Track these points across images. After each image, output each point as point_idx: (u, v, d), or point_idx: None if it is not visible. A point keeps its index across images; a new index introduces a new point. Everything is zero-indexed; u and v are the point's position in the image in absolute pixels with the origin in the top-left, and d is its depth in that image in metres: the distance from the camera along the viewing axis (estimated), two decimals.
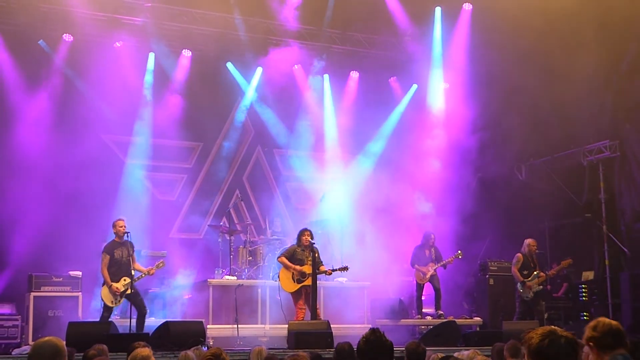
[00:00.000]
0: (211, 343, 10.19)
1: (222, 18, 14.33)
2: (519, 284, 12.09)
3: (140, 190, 14.08)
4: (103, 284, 10.49)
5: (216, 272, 12.60)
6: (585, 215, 15.13)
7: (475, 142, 15.11)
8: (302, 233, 11.22)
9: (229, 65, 15.06)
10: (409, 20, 15.16)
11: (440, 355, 5.87)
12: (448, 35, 15.43)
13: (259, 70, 15.14)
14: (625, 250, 14.42)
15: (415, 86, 16.07)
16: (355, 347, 4.72)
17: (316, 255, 10.96)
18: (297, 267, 10.97)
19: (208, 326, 10.91)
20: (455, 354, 6.04)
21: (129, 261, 10.39)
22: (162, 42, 14.26)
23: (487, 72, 14.70)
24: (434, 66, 15.69)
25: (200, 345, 7.70)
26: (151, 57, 14.29)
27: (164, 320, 10.03)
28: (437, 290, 12.92)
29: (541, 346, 2.93)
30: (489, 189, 15.86)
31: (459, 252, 13.00)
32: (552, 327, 3.08)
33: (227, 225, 13.61)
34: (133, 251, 10.63)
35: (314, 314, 10.73)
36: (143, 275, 10.60)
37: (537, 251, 12.47)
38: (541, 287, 12.16)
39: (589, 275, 14.96)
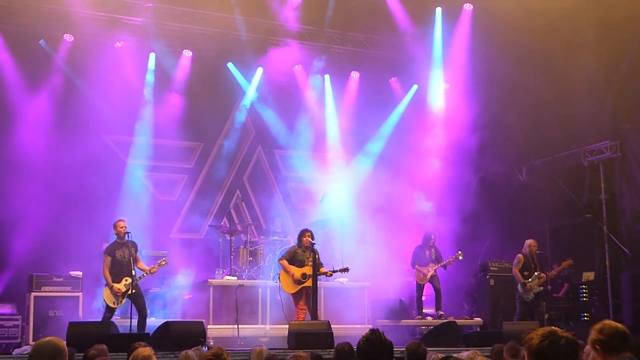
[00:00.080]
0: (211, 343, 10.19)
1: (222, 18, 14.34)
2: (519, 285, 12.08)
3: (141, 191, 14.09)
4: (105, 285, 10.50)
5: (217, 272, 12.61)
6: (586, 216, 15.12)
7: (475, 143, 15.11)
8: (302, 234, 11.22)
9: (230, 65, 15.06)
10: (410, 21, 15.16)
11: (441, 355, 5.86)
12: (448, 36, 15.43)
13: (259, 71, 15.15)
14: (626, 250, 14.42)
15: (415, 86, 16.07)
16: (355, 347, 4.72)
17: (317, 256, 10.96)
18: (297, 270, 10.95)
19: (208, 326, 10.92)
20: (455, 355, 6.03)
21: (130, 261, 10.38)
22: (162, 42, 14.27)
23: (487, 72, 14.69)
24: (435, 66, 15.69)
25: (200, 346, 7.69)
26: (152, 57, 14.30)
27: (165, 321, 10.03)
28: (437, 291, 12.92)
29: (541, 347, 2.93)
30: (489, 189, 15.86)
31: (459, 252, 13.00)
32: (552, 327, 3.07)
33: (228, 226, 13.62)
34: (136, 251, 10.62)
35: (315, 315, 10.73)
36: (145, 274, 10.59)
37: (537, 252, 12.46)
38: (542, 288, 12.16)
39: (589, 275, 14.96)
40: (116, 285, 10.34)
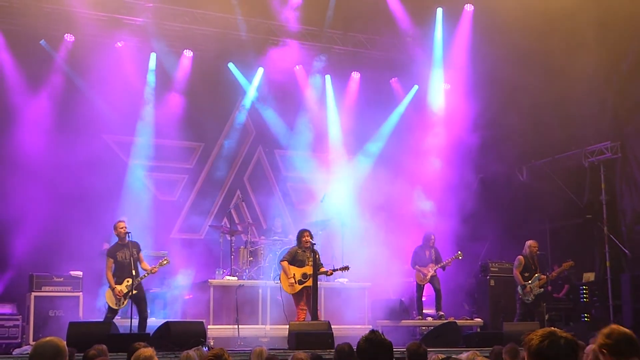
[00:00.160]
0: (212, 343, 10.20)
1: (223, 18, 14.34)
2: (519, 287, 12.08)
3: (142, 191, 14.09)
4: (108, 286, 10.52)
5: (217, 272, 12.61)
6: (586, 217, 15.12)
7: (476, 143, 15.11)
8: (301, 234, 11.23)
9: (231, 65, 15.07)
10: (410, 21, 15.17)
11: (441, 356, 5.86)
12: (449, 36, 15.43)
13: (260, 71, 15.15)
14: (626, 251, 14.42)
15: (416, 87, 16.08)
16: (355, 347, 4.73)
17: (317, 256, 10.97)
18: (297, 271, 10.95)
19: (209, 326, 10.93)
20: (454, 356, 6.03)
21: (131, 262, 10.37)
22: (163, 42, 14.27)
23: (488, 72, 14.69)
24: (435, 67, 15.70)
25: (201, 346, 7.69)
26: (152, 57, 14.31)
27: (165, 321, 10.04)
28: (437, 291, 12.91)
29: (541, 347, 2.93)
30: (489, 190, 15.87)
31: (459, 252, 13.00)
32: (552, 328, 3.08)
33: (228, 226, 13.63)
34: (138, 251, 10.59)
35: (315, 315, 10.74)
36: (146, 274, 10.57)
37: (538, 252, 12.46)
38: (542, 289, 12.15)
39: (589, 276, 14.96)
40: (118, 287, 10.34)
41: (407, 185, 14.66)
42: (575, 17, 12.68)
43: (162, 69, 14.45)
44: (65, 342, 4.01)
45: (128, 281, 10.37)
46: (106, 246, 11.91)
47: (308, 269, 10.95)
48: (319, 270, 10.95)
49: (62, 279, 11.66)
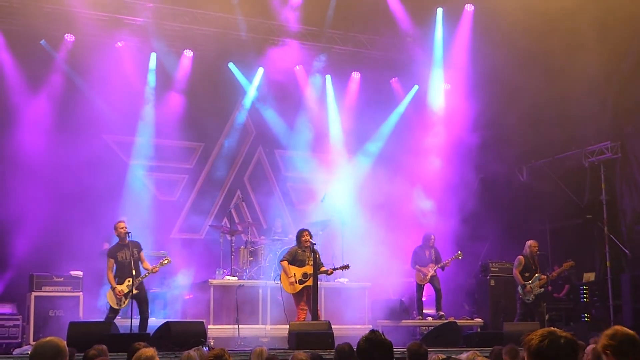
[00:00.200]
0: (212, 343, 10.20)
1: (223, 18, 14.35)
2: (520, 287, 12.08)
3: (142, 191, 14.10)
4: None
5: (217, 272, 12.61)
6: (586, 217, 15.12)
7: (476, 143, 15.11)
8: (300, 234, 11.24)
9: (231, 65, 15.07)
10: (411, 21, 15.17)
11: (442, 356, 5.87)
12: (449, 36, 15.43)
13: (260, 71, 15.16)
14: (626, 251, 14.42)
15: (416, 87, 16.08)
16: (355, 347, 4.73)
17: (317, 256, 10.97)
18: (298, 270, 10.96)
19: (209, 326, 10.93)
20: (454, 356, 6.04)
21: (132, 262, 10.36)
22: (163, 42, 14.28)
23: (488, 72, 14.70)
24: (435, 67, 15.70)
25: (201, 346, 7.69)
26: (153, 57, 14.31)
27: (165, 321, 10.04)
28: (437, 291, 12.92)
29: (541, 347, 2.92)
30: (490, 189, 15.86)
31: (459, 252, 13.00)
32: (552, 328, 3.08)
33: (228, 226, 13.64)
34: (139, 251, 10.57)
35: (315, 315, 10.74)
36: (147, 274, 10.56)
37: (538, 252, 12.47)
38: (542, 289, 12.15)
39: (590, 276, 14.96)
40: (118, 287, 10.34)
41: (407, 185, 14.67)
42: (575, 17, 12.68)
43: (162, 69, 14.45)
44: (65, 342, 4.01)
45: (129, 281, 10.37)
46: (106, 246, 11.92)
47: (308, 269, 10.95)
48: (319, 270, 10.95)
49: (62, 279, 11.66)
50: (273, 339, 11.44)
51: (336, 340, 8.90)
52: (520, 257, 12.20)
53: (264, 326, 11.89)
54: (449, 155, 15.25)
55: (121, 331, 9.72)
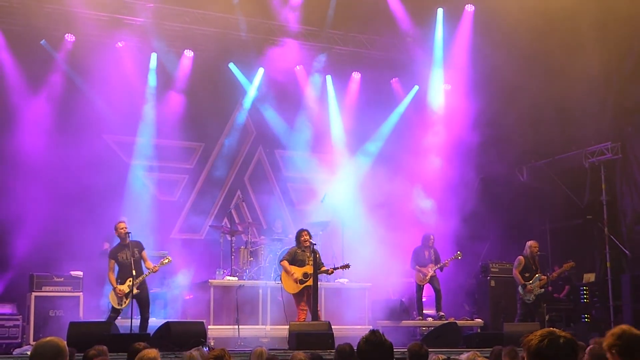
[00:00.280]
0: (212, 344, 10.20)
1: (223, 18, 14.35)
2: (520, 287, 12.08)
3: (142, 191, 14.09)
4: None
5: (217, 272, 12.61)
6: (587, 217, 15.12)
7: (476, 143, 15.10)
8: (300, 234, 11.25)
9: (231, 65, 15.07)
10: (411, 22, 15.17)
11: (442, 357, 5.86)
12: (450, 36, 15.43)
13: (260, 71, 15.16)
14: (627, 252, 14.41)
15: (416, 87, 16.08)
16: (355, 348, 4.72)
17: (317, 256, 10.97)
18: (298, 270, 10.96)
19: (209, 327, 10.93)
20: (453, 357, 6.03)
21: (132, 262, 10.34)
22: (163, 42, 14.28)
23: (488, 73, 14.70)
24: (435, 67, 15.70)
25: (201, 346, 7.69)
26: (153, 57, 14.31)
27: (165, 321, 10.04)
28: (437, 292, 12.91)
29: (540, 347, 2.92)
30: (490, 190, 15.86)
31: (458, 252, 12.99)
32: (551, 328, 3.07)
33: (229, 226, 13.63)
34: (140, 251, 10.55)
35: (315, 315, 10.74)
36: (148, 273, 10.54)
37: (538, 253, 12.46)
38: (542, 289, 12.15)
39: (590, 277, 14.96)
40: (119, 287, 10.35)
41: (408, 184, 14.67)
42: (575, 17, 12.68)
43: (162, 69, 14.45)
44: (65, 342, 4.01)
45: (130, 281, 10.37)
46: (107, 246, 11.95)
47: (309, 269, 10.95)
48: (319, 270, 10.95)
49: (62, 279, 11.65)
50: (273, 340, 11.44)
51: (336, 341, 8.90)
52: (521, 257, 12.20)
53: (264, 326, 11.89)
54: (449, 154, 15.25)
55: (121, 331, 9.73)
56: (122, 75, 13.61)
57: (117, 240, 10.68)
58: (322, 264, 11.12)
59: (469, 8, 15.14)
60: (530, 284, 11.98)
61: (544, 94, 14.42)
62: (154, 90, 14.35)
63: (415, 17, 15.12)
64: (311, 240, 11.14)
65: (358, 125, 15.59)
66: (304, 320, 10.73)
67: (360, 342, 4.18)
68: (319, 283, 11.16)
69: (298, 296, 11.01)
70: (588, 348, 5.22)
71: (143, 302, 10.40)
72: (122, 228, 10.50)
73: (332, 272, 11.21)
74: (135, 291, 10.25)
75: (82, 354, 6.64)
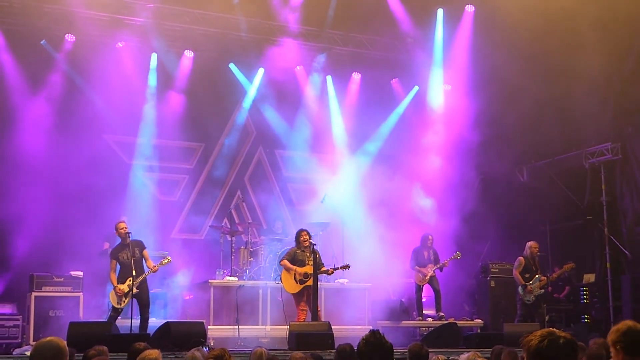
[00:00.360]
0: (212, 344, 10.20)
1: (223, 18, 14.35)
2: (520, 288, 12.08)
3: (142, 191, 14.09)
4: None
5: (217, 272, 12.62)
6: (587, 218, 15.12)
7: (476, 144, 15.10)
8: (299, 234, 11.25)
9: (232, 66, 15.07)
10: (411, 22, 15.17)
11: (442, 357, 5.86)
12: (450, 37, 15.43)
13: (260, 71, 15.15)
14: (627, 252, 14.41)
15: (416, 88, 16.07)
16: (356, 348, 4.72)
17: (317, 256, 10.97)
18: (298, 268, 10.98)
19: (209, 327, 10.93)
20: (453, 357, 6.04)
21: (132, 262, 10.34)
22: (163, 42, 14.28)
23: (488, 73, 14.70)
24: (436, 68, 15.70)
25: (201, 346, 7.69)
26: (153, 57, 14.31)
27: (165, 321, 10.04)
28: (436, 292, 12.90)
29: (540, 347, 2.92)
30: (490, 190, 15.86)
31: (457, 252, 12.98)
32: (551, 329, 3.07)
33: (229, 226, 13.64)
34: (141, 250, 10.55)
35: (315, 315, 10.74)
36: (148, 272, 10.54)
37: (538, 254, 12.46)
38: (542, 290, 12.15)
39: (590, 277, 14.96)
40: (119, 286, 10.36)
41: (408, 184, 14.67)
42: (575, 17, 12.68)
43: (162, 69, 14.44)
44: (65, 342, 4.01)
45: (130, 280, 10.37)
46: (107, 246, 11.96)
47: (309, 269, 10.95)
48: (319, 270, 10.95)
49: (62, 279, 11.65)
50: (273, 340, 11.44)
51: (336, 341, 8.90)
52: (521, 258, 12.20)
53: (264, 327, 11.89)
54: (449, 154, 15.24)
55: (121, 331, 9.73)
56: (122, 75, 13.61)
57: (117, 240, 10.70)
58: (322, 264, 11.12)
59: (469, 9, 15.13)
60: (530, 284, 11.98)
61: (544, 94, 14.43)
62: (154, 91, 14.34)
63: (415, 17, 15.12)
64: (311, 241, 11.15)
65: (358, 126, 15.59)
66: (304, 321, 10.73)
67: (360, 343, 4.18)
68: (319, 283, 11.16)
69: (298, 296, 11.01)
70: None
71: (143, 302, 10.40)
72: (123, 228, 10.50)
73: (332, 273, 11.21)
74: (134, 291, 10.25)
75: (82, 354, 6.64)
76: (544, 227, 15.60)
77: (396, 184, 14.44)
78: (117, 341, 8.40)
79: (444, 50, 15.56)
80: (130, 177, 14.01)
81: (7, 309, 11.84)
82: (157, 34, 14.09)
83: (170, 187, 14.77)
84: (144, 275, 10.45)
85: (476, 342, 10.30)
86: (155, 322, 10.51)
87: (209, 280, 12.04)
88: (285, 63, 14.81)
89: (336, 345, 6.88)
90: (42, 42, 13.40)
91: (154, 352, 5.04)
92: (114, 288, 10.39)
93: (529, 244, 12.32)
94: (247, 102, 15.35)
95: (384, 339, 4.17)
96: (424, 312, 12.98)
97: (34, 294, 11.40)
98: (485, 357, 6.05)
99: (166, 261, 10.70)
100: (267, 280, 12.31)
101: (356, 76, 15.95)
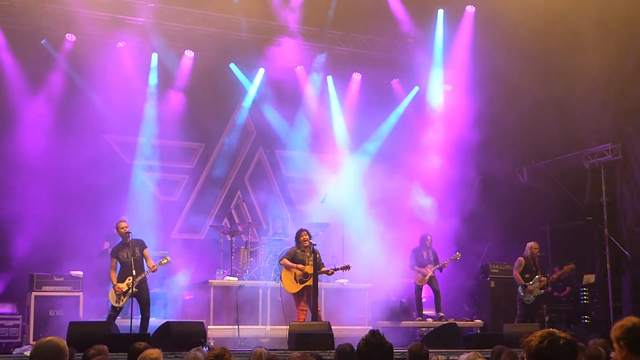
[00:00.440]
0: (212, 344, 10.20)
1: (224, 18, 14.35)
2: (520, 288, 12.08)
3: (142, 191, 14.09)
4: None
5: (217, 272, 12.62)
6: (587, 218, 15.12)
7: (476, 144, 15.11)
8: (299, 234, 11.26)
9: (232, 65, 15.07)
10: (412, 22, 15.17)
11: (442, 357, 5.87)
12: (450, 37, 15.43)
13: (261, 71, 15.16)
14: (627, 253, 14.41)
15: (417, 88, 16.07)
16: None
17: (317, 256, 10.97)
18: (299, 266, 10.98)
19: (209, 327, 10.94)
20: (452, 357, 6.04)
21: (132, 261, 10.34)
22: (164, 42, 14.28)
23: (488, 73, 14.71)
24: (436, 68, 15.70)
25: (201, 346, 7.70)
26: (154, 57, 14.31)
27: (165, 321, 10.04)
28: (436, 292, 12.90)
29: (540, 348, 2.92)
30: (490, 190, 15.86)
31: (457, 253, 12.98)
32: (551, 329, 3.07)
33: (229, 226, 13.64)
34: (141, 249, 10.55)
35: (315, 315, 10.74)
36: (147, 272, 10.54)
37: (539, 254, 12.46)
38: (542, 290, 12.15)
39: (590, 278, 14.96)
40: (118, 285, 10.36)
41: (408, 183, 14.67)
42: (575, 17, 12.68)
43: (163, 69, 14.44)
44: (65, 342, 4.01)
45: (129, 279, 10.38)
46: (107, 246, 11.96)
47: (309, 269, 10.95)
48: (319, 270, 10.95)
49: (62, 279, 11.65)
50: (273, 340, 11.44)
51: (336, 341, 8.90)
52: (521, 258, 12.21)
53: (263, 327, 11.90)
54: (449, 154, 15.24)
55: (121, 331, 9.73)
56: (122, 75, 13.61)
57: (118, 240, 10.70)
58: (322, 264, 11.12)
59: (470, 9, 15.13)
60: (530, 285, 11.98)
61: (544, 94, 14.42)
62: (155, 91, 14.34)
63: (415, 17, 15.12)
64: (311, 241, 11.15)
65: (358, 126, 15.59)
66: (304, 321, 10.73)
67: (360, 343, 4.18)
68: (319, 283, 11.16)
69: (298, 296, 11.01)
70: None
71: (143, 301, 10.40)
72: (123, 227, 10.51)
73: (332, 273, 11.21)
74: (134, 290, 10.25)
75: (82, 354, 6.64)
76: (544, 227, 15.60)
77: (396, 184, 14.44)
78: (117, 341, 8.40)
79: (444, 51, 15.56)
80: (131, 177, 14.01)
81: (7, 308, 11.85)
82: (157, 33, 14.09)
83: (170, 187, 14.77)
84: (143, 275, 10.45)
85: (476, 342, 10.31)
86: (155, 322, 10.51)
87: (209, 280, 12.04)
88: (286, 63, 14.81)
89: (336, 345, 6.88)
90: (42, 42, 13.40)
91: (155, 352, 5.04)
92: (113, 286, 10.40)
93: (529, 244, 12.32)
94: (247, 102, 15.35)
95: (384, 339, 4.17)
96: (423, 312, 12.99)
97: (34, 293, 11.40)
98: (485, 358, 6.05)
99: (165, 261, 10.69)
100: (267, 280, 12.31)
101: (356, 76, 15.95)
